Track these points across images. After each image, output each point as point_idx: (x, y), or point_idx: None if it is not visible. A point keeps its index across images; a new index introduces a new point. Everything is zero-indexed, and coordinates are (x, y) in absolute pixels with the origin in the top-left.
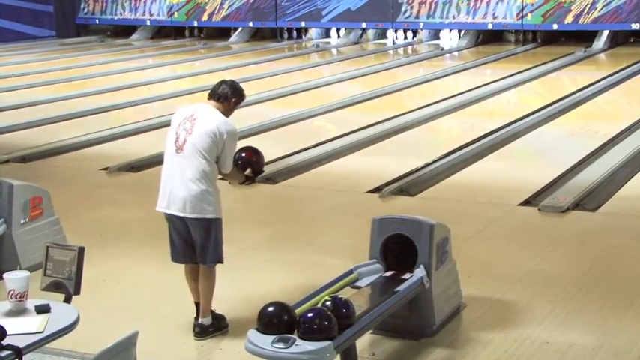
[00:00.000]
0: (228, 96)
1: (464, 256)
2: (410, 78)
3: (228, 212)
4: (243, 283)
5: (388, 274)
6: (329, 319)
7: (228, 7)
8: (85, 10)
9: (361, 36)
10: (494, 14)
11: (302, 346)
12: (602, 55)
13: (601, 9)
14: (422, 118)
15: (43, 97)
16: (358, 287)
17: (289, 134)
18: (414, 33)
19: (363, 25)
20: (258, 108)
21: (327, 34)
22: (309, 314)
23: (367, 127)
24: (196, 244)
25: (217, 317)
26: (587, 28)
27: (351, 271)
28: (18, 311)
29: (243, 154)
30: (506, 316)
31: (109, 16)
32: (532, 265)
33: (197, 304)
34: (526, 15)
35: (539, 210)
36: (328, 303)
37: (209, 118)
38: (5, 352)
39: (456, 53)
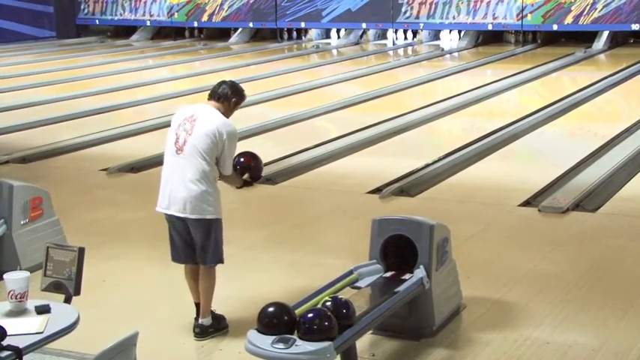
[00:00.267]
0: (229, 96)
1: (464, 256)
2: (410, 78)
3: (229, 213)
4: (243, 283)
5: (388, 274)
6: (329, 320)
7: (228, 7)
8: (85, 11)
9: (361, 36)
10: (494, 15)
11: (302, 346)
12: (602, 56)
13: (601, 9)
14: (422, 118)
15: (43, 97)
16: (358, 288)
17: (289, 135)
18: (414, 33)
19: (363, 25)
20: (259, 108)
21: (327, 35)
22: (310, 315)
23: (367, 128)
24: (197, 244)
25: (217, 318)
26: (587, 29)
27: (351, 272)
28: (18, 312)
29: (242, 159)
30: (506, 316)
31: (109, 17)
32: (532, 266)
33: (197, 305)
34: (526, 15)
35: (539, 210)
36: (328, 303)
37: (209, 118)
38: (5, 353)
39: (456, 54)
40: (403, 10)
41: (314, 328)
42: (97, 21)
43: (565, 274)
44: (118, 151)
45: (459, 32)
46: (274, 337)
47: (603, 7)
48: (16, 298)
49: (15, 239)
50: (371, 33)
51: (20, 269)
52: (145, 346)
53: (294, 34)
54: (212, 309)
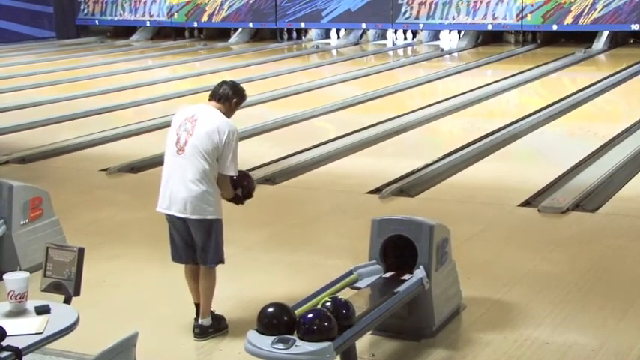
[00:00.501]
0: (229, 96)
1: (464, 256)
2: (410, 79)
3: (229, 213)
4: (243, 283)
5: (388, 274)
6: (329, 320)
7: (228, 7)
8: (85, 11)
9: (361, 37)
10: (494, 15)
11: (302, 346)
12: (602, 56)
13: (601, 10)
14: (422, 118)
15: (43, 97)
16: (358, 288)
17: (289, 135)
18: (414, 34)
19: (363, 25)
20: (258, 109)
21: (327, 35)
22: (309, 315)
23: (367, 128)
24: (197, 244)
25: (217, 318)
26: (587, 29)
27: (350, 272)
28: (18, 312)
29: (235, 178)
30: (506, 316)
31: (109, 17)
32: (532, 266)
33: (197, 305)
34: (526, 16)
35: (538, 211)
36: (328, 304)
37: (210, 118)
38: (5, 353)
39: (455, 54)
40: (403, 10)
41: (314, 329)
42: (96, 21)
43: (565, 275)
44: (118, 151)
45: (459, 32)
46: (274, 337)
47: (603, 7)
48: (15, 299)
49: (15, 239)
50: (371, 33)
51: (20, 269)
52: (144, 347)
53: (294, 34)
54: (212, 309)
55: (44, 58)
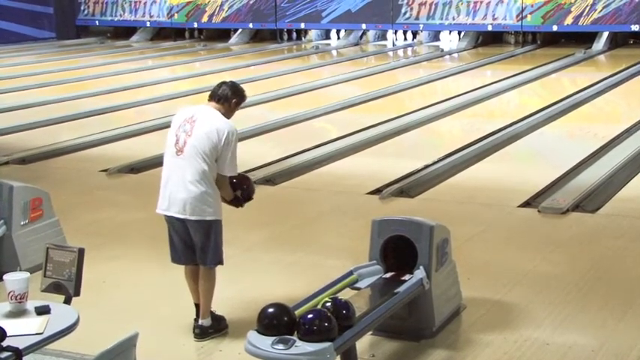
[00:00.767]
0: (229, 97)
1: (464, 257)
2: (410, 79)
3: (228, 213)
4: (243, 284)
5: (388, 275)
6: (329, 321)
7: (228, 8)
8: (85, 12)
9: (361, 37)
10: (494, 15)
11: (302, 347)
12: (601, 57)
13: (601, 10)
14: (422, 119)
15: (43, 98)
16: (358, 289)
17: (289, 135)
18: (414, 34)
19: (363, 26)
20: (259, 109)
21: (327, 36)
22: (309, 315)
23: (367, 129)
24: (196, 245)
25: (217, 318)
26: (587, 30)
27: (351, 273)
28: (18, 313)
29: (235, 180)
30: (506, 317)
31: (109, 18)
32: (532, 267)
33: (197, 306)
34: (526, 16)
35: (538, 211)
36: (328, 304)
37: (209, 119)
38: (5, 354)
39: (455, 54)
40: (403, 11)
41: (314, 329)
42: (96, 22)
43: (565, 275)
44: (118, 151)
45: (459, 33)
46: (274, 337)
47: (603, 7)
48: (15, 299)
49: (15, 240)
50: (371, 34)
51: (20, 270)
52: (144, 347)
53: (294, 34)
54: (212, 310)
55: (44, 58)
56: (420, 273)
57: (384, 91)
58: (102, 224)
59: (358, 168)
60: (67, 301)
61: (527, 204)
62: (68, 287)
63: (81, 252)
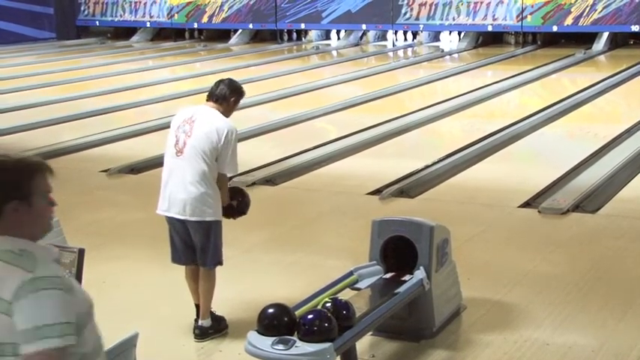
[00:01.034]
0: (227, 97)
1: (464, 257)
2: (410, 79)
3: None
4: (243, 284)
5: (388, 275)
6: (329, 321)
7: (228, 8)
8: (85, 12)
9: (361, 38)
10: (494, 16)
11: (302, 347)
12: (602, 57)
13: (601, 11)
14: (422, 119)
15: (44, 98)
16: (358, 289)
17: (289, 136)
18: (414, 35)
19: (363, 26)
20: (259, 110)
21: (327, 36)
22: (309, 316)
23: (367, 129)
24: (196, 246)
25: (217, 319)
26: (587, 30)
27: (351, 273)
28: None
29: (232, 188)
30: (506, 317)
31: (109, 18)
32: (532, 267)
33: (197, 306)
34: (526, 17)
35: (539, 212)
36: (328, 305)
37: (208, 119)
38: None
39: (456, 55)
40: (403, 11)
41: (314, 330)
42: (97, 22)
43: (565, 276)
44: (119, 152)
45: (459, 33)
46: (274, 338)
47: (603, 8)
48: None
49: None
50: (371, 34)
51: None
52: (144, 347)
53: (294, 35)
54: (212, 310)
55: (44, 59)
56: (420, 273)
57: (385, 91)
58: (102, 224)
59: (358, 168)
60: None
61: (527, 204)
62: None
63: (81, 252)
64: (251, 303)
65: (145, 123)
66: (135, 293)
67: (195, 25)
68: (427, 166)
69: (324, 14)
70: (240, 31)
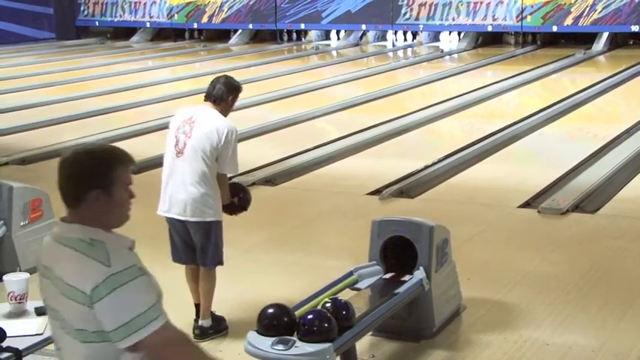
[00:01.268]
0: (224, 96)
1: (464, 257)
2: (410, 80)
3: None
4: (243, 285)
5: (388, 276)
6: (329, 321)
7: (228, 9)
8: (85, 12)
9: (361, 38)
10: (493, 16)
11: (302, 348)
12: (601, 57)
13: (601, 11)
14: (422, 119)
15: (43, 98)
16: (358, 289)
17: (289, 136)
18: (414, 35)
19: (363, 27)
20: (259, 110)
21: (327, 36)
22: (309, 316)
23: (367, 129)
24: (197, 246)
25: (217, 319)
26: (587, 30)
27: (350, 273)
28: (18, 313)
29: (233, 185)
30: (506, 317)
31: (109, 18)
32: (532, 267)
33: (197, 306)
34: (526, 17)
35: (538, 212)
36: (328, 305)
37: (207, 119)
38: (5, 354)
39: (455, 55)
40: (403, 11)
41: (314, 330)
42: (96, 22)
43: (565, 276)
44: None
45: (459, 34)
46: (274, 338)
47: (603, 8)
48: (15, 300)
49: (15, 240)
50: (371, 34)
51: (20, 271)
52: None
53: (294, 35)
54: (212, 310)
55: (44, 59)
56: (419, 273)
57: (384, 91)
58: None
59: (358, 168)
60: None
61: (527, 204)
62: None
63: None
64: (251, 303)
65: (145, 123)
66: None
67: (195, 26)
68: (427, 167)
69: (323, 14)
70: (240, 31)
